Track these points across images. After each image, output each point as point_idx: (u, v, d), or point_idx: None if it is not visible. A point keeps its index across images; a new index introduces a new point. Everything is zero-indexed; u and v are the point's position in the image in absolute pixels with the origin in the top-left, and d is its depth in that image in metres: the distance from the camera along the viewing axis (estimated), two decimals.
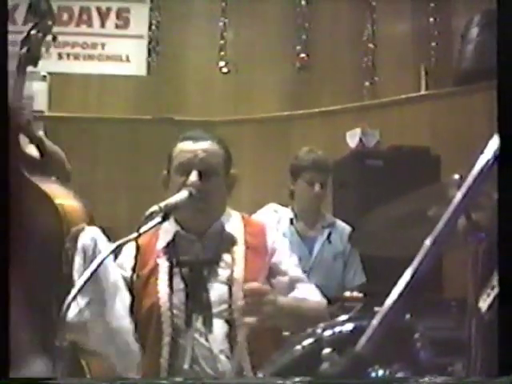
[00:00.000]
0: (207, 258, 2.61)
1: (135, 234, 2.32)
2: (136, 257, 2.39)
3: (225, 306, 2.55)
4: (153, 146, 5.96)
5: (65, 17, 6.32)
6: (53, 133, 4.52)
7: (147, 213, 2.36)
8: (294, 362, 2.04)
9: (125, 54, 6.42)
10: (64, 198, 3.31)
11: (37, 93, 6.04)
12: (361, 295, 3.91)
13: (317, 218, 4.24)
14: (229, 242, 2.65)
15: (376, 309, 3.55)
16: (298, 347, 2.06)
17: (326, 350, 1.98)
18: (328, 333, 2.03)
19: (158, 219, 2.36)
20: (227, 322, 2.54)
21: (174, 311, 2.51)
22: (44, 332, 3.08)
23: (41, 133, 3.39)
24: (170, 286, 2.55)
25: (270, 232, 2.75)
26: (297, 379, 1.95)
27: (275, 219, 4.19)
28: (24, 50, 3.41)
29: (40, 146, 3.36)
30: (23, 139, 3.34)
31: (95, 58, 6.40)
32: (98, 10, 6.39)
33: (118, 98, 6.49)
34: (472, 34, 5.49)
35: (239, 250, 2.63)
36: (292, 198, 4.28)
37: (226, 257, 2.62)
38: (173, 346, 2.49)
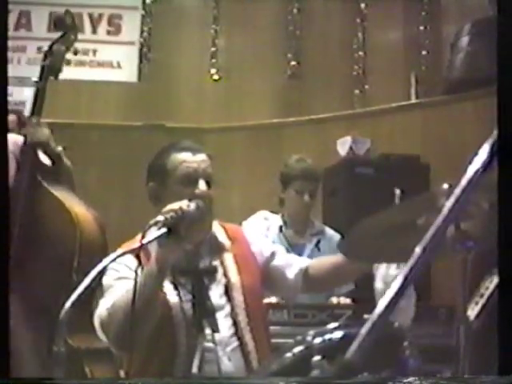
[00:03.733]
0: (205, 266, 2.64)
1: (138, 244, 2.32)
2: (137, 267, 2.37)
3: (228, 310, 2.59)
4: (144, 152, 5.96)
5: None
6: None
7: (152, 222, 2.36)
8: (284, 368, 2.06)
9: (116, 61, 6.43)
10: (78, 207, 3.37)
11: (28, 98, 6.03)
12: (348, 301, 3.91)
13: (306, 225, 4.25)
14: (219, 250, 2.69)
15: (366, 316, 3.59)
16: (289, 354, 2.08)
17: (316, 358, 1.99)
18: (318, 340, 2.04)
19: (164, 230, 2.36)
20: (234, 323, 2.58)
21: (187, 320, 2.54)
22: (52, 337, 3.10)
23: (59, 149, 3.44)
24: (179, 295, 2.57)
25: (248, 236, 2.81)
26: (293, 379, 1.97)
27: (265, 226, 4.20)
28: (47, 61, 3.48)
29: (56, 161, 3.42)
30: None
31: (87, 64, 6.40)
32: (90, 16, 6.39)
33: (109, 104, 6.48)
34: (462, 43, 5.52)
35: (228, 256, 2.68)
36: (282, 206, 4.29)
37: (219, 264, 2.65)
38: (187, 353, 2.51)
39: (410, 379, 1.98)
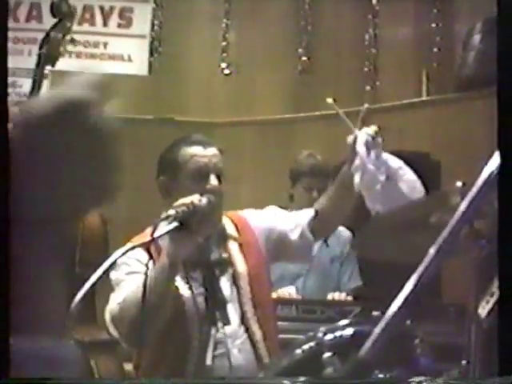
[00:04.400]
0: (216, 258, 2.65)
1: (149, 238, 2.31)
2: (148, 261, 2.37)
3: (236, 301, 2.60)
4: (153, 145, 5.95)
5: None
6: None
7: (163, 216, 2.36)
8: (294, 364, 2.06)
9: (127, 54, 6.41)
10: None
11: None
12: (356, 299, 3.91)
13: None
14: (226, 241, 2.69)
15: (374, 313, 3.59)
16: (299, 350, 2.08)
17: (327, 354, 2.00)
18: (329, 337, 2.05)
19: (175, 224, 2.36)
20: (241, 313, 2.59)
21: (200, 313, 2.54)
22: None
23: None
24: (191, 289, 2.57)
25: (253, 223, 2.85)
26: (301, 379, 1.97)
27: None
28: (43, 49, 3.45)
29: None
30: None
31: (97, 56, 6.38)
32: (101, 8, 6.38)
33: (119, 97, 6.46)
34: (474, 40, 5.50)
35: (234, 246, 2.69)
36: (291, 201, 4.28)
37: (226, 254, 2.66)
38: (200, 346, 2.52)
39: (420, 379, 1.97)
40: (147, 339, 2.40)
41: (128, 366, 3.12)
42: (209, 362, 2.50)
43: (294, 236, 2.81)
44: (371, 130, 2.69)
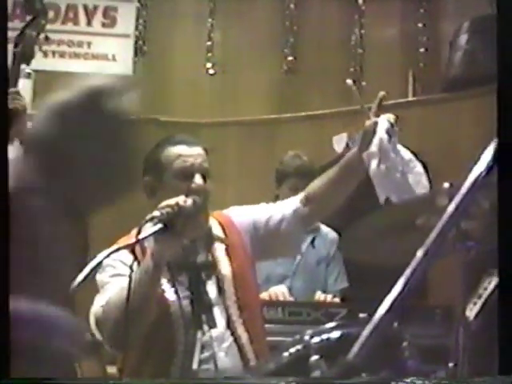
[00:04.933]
0: (202, 261, 2.63)
1: (133, 240, 2.29)
2: (133, 262, 2.33)
3: (221, 304, 2.57)
4: (138, 145, 5.92)
5: (51, 14, 6.24)
6: None
7: (148, 217, 2.33)
8: (281, 367, 2.03)
9: (111, 53, 6.38)
10: None
11: (21, 90, 5.98)
12: (343, 301, 3.89)
13: None
14: (213, 242, 2.66)
15: (361, 315, 3.56)
16: (286, 353, 2.05)
17: (314, 357, 1.97)
18: (316, 339, 2.02)
19: (160, 225, 2.33)
20: (227, 316, 2.56)
21: (185, 317, 2.51)
22: None
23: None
24: (176, 292, 2.54)
25: (237, 221, 2.79)
26: (289, 379, 1.95)
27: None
28: (18, 48, 3.41)
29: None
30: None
31: (81, 56, 6.35)
32: (85, 8, 6.34)
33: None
34: (461, 41, 5.50)
35: (220, 247, 2.66)
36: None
37: (211, 256, 2.63)
38: (185, 350, 2.49)
39: (410, 379, 1.96)
40: (131, 342, 2.36)
41: (112, 369, 3.09)
42: (195, 365, 2.47)
43: (281, 227, 2.76)
44: (391, 117, 2.64)
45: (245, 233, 2.75)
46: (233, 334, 2.57)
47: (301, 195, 2.82)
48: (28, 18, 3.49)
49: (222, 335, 2.56)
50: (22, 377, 1.73)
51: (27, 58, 3.47)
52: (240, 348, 2.55)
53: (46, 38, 3.53)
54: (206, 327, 2.52)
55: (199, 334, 2.50)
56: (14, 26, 5.99)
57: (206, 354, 2.52)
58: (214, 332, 2.53)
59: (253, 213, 2.85)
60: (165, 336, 2.53)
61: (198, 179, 2.58)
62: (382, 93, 2.73)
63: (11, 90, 3.29)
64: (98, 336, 2.52)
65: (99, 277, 2.52)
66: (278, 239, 2.77)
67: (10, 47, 5.96)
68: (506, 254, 1.74)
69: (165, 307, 2.53)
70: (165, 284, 2.55)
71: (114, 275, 2.53)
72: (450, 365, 2.13)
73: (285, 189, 4.13)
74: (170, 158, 2.63)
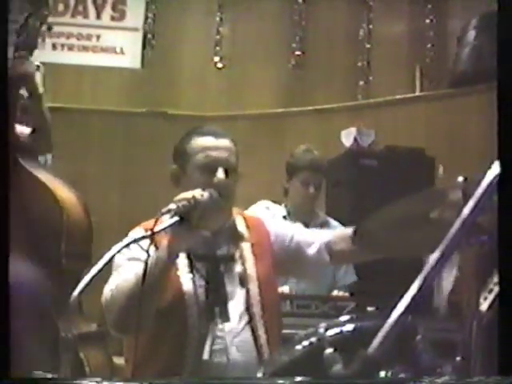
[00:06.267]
0: (223, 254, 2.62)
1: (149, 232, 2.29)
2: (150, 244, 2.33)
3: (242, 301, 2.57)
4: (146, 139, 5.95)
5: (60, 7, 6.29)
6: None
7: (164, 210, 2.33)
8: (295, 360, 2.04)
9: (119, 47, 6.39)
10: (62, 188, 3.29)
11: None
12: (347, 294, 3.91)
13: (310, 216, 4.23)
14: (237, 239, 2.66)
15: (369, 308, 3.56)
16: (299, 346, 2.06)
17: (329, 350, 1.98)
18: (330, 332, 2.03)
19: (176, 218, 2.33)
20: (249, 314, 2.56)
21: (199, 305, 2.51)
22: (42, 324, 3.06)
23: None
24: (193, 280, 2.54)
25: (268, 226, 2.77)
26: (299, 379, 1.95)
27: (268, 216, 4.18)
28: (20, 38, 3.40)
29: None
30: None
31: (90, 49, 6.36)
32: (94, 1, 6.35)
33: (112, 90, 6.45)
34: (469, 36, 5.51)
35: (246, 246, 2.65)
36: (286, 196, 4.27)
37: (237, 253, 2.63)
38: (198, 338, 2.49)
39: (422, 379, 1.97)
40: (138, 328, 2.35)
41: (119, 360, 3.09)
42: (206, 356, 2.47)
43: (310, 251, 2.74)
44: None
45: (275, 240, 2.73)
46: (253, 332, 2.56)
47: (331, 236, 2.76)
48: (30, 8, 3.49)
49: (237, 330, 2.56)
50: (22, 377, 1.75)
51: (30, 48, 3.46)
52: (257, 346, 2.55)
53: (49, 29, 3.53)
54: (218, 319, 2.52)
55: (212, 325, 2.50)
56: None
57: (218, 347, 2.52)
58: (228, 326, 2.53)
59: (287, 227, 2.85)
60: (178, 323, 2.52)
61: (220, 174, 2.55)
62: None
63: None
64: (107, 318, 2.52)
65: (115, 257, 2.52)
66: (304, 262, 2.74)
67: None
68: (506, 253, 1.75)
69: (179, 294, 2.53)
70: (182, 271, 2.55)
71: (129, 258, 2.53)
72: (458, 359, 2.13)
73: (295, 182, 4.14)
74: (195, 150, 2.60)
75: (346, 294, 3.90)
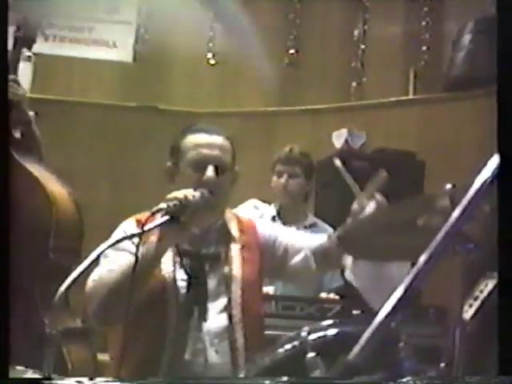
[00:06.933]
0: (209, 252, 2.61)
1: (139, 231, 2.27)
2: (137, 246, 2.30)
3: (223, 302, 2.55)
4: (136, 133, 5.92)
5: None
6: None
7: (154, 209, 2.32)
8: (277, 363, 2.02)
9: (112, 40, 6.36)
10: (53, 183, 3.28)
11: (21, 72, 5.95)
12: (337, 297, 3.90)
13: (298, 217, 4.24)
14: (227, 239, 2.64)
15: (354, 312, 3.54)
16: (282, 350, 2.04)
17: (311, 354, 1.96)
18: (313, 336, 2.00)
19: (167, 217, 2.31)
20: (228, 316, 2.53)
21: (179, 299, 2.49)
22: (27, 318, 3.03)
23: (31, 113, 3.36)
24: (175, 274, 2.53)
25: (260, 230, 2.76)
26: (279, 379, 1.93)
27: (256, 215, 4.17)
28: (20, 32, 3.40)
29: (27, 127, 3.33)
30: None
31: (82, 41, 6.33)
32: None
33: (103, 83, 6.43)
34: (464, 41, 5.50)
35: (235, 247, 2.64)
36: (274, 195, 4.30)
37: (224, 253, 2.61)
38: (176, 334, 2.47)
39: (406, 379, 1.95)
40: (119, 319, 2.32)
41: (103, 357, 3.07)
42: (187, 356, 2.46)
43: (296, 259, 2.72)
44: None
45: (264, 243, 2.72)
46: (231, 334, 2.54)
47: (320, 242, 2.75)
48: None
49: (215, 331, 2.53)
50: (21, 377, 1.73)
51: (29, 42, 3.47)
52: (233, 349, 2.53)
53: (50, 24, 3.54)
54: (197, 317, 2.50)
55: (191, 323, 2.49)
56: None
57: (197, 347, 2.51)
58: (207, 326, 2.51)
59: (278, 232, 2.83)
60: (158, 316, 2.51)
61: (209, 171, 2.54)
62: (384, 174, 2.65)
63: (10, 77, 3.28)
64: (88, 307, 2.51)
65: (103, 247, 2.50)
66: (290, 268, 2.72)
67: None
68: (506, 254, 1.74)
69: (161, 287, 2.51)
70: (166, 265, 2.54)
71: (116, 248, 2.51)
72: (442, 365, 2.12)
73: (273, 177, 4.22)
74: (188, 147, 2.60)
75: (331, 296, 3.89)
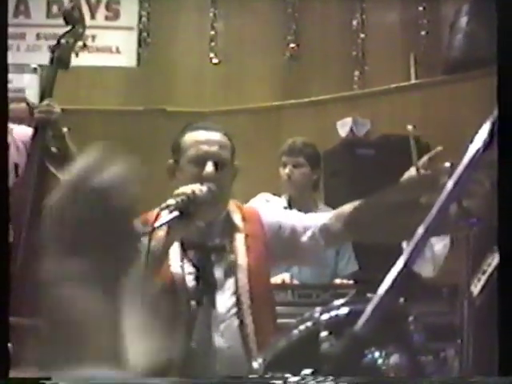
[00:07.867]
0: (214, 244, 2.66)
1: (150, 228, 2.32)
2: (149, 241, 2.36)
3: (231, 290, 2.60)
4: (145, 137, 5.96)
5: (54, 9, 6.32)
6: None
7: (163, 205, 2.37)
8: (292, 344, 2.08)
9: (115, 46, 6.42)
10: None
11: (27, 85, 6.03)
12: (351, 282, 3.94)
13: (309, 206, 4.26)
14: (231, 230, 2.70)
15: (369, 295, 3.59)
16: (296, 331, 2.10)
17: (324, 333, 2.02)
18: (325, 317, 2.07)
19: (176, 213, 2.37)
20: (236, 303, 2.59)
21: (188, 291, 2.54)
22: None
23: (65, 130, 3.50)
24: (182, 267, 2.58)
25: (264, 216, 2.81)
26: (295, 378, 1.98)
27: (266, 207, 4.23)
28: (55, 54, 3.54)
29: (61, 142, 3.47)
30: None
31: (85, 49, 6.38)
32: (88, 2, 6.38)
33: (109, 89, 6.47)
34: (461, 23, 5.51)
35: (240, 237, 2.69)
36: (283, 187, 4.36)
37: (229, 244, 2.68)
38: (185, 325, 2.52)
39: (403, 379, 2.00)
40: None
41: None
42: (194, 344, 2.50)
43: (304, 238, 2.77)
44: None
45: (268, 228, 2.77)
46: (241, 321, 2.59)
47: (325, 220, 2.78)
48: (66, 26, 3.64)
49: (222, 317, 2.58)
50: (21, 377, 1.78)
51: (65, 63, 3.61)
52: (244, 335, 2.58)
53: (84, 46, 3.69)
54: (206, 306, 2.55)
55: (200, 312, 2.53)
56: (19, 23, 6.10)
57: (204, 334, 2.55)
58: (215, 313, 2.56)
59: (282, 215, 2.88)
60: (166, 309, 2.56)
61: (208, 167, 2.60)
62: (439, 148, 2.70)
63: (45, 101, 3.46)
64: None
65: None
66: (299, 248, 2.77)
67: (16, 42, 6.03)
68: (506, 228, 1.77)
69: (169, 280, 2.57)
70: (173, 258, 2.59)
71: None
72: (459, 341, 2.15)
73: (280, 169, 4.27)
74: (187, 144, 2.67)
75: (345, 282, 3.94)
